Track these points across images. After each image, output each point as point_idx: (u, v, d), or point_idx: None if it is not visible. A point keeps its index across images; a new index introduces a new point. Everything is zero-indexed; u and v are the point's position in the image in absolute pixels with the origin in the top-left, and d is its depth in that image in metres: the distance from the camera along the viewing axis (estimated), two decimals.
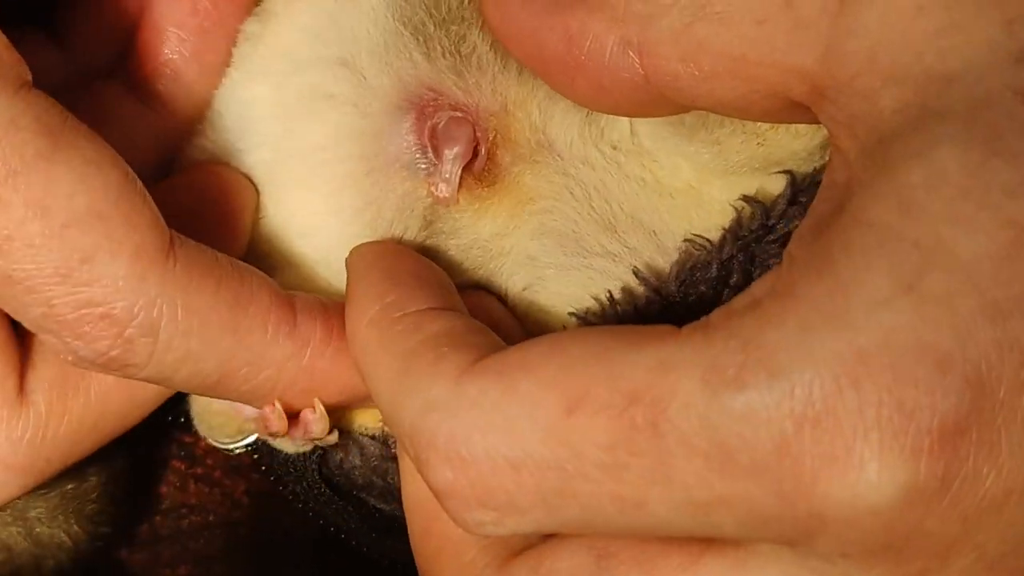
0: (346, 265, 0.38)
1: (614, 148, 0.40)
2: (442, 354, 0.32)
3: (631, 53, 0.33)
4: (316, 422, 0.39)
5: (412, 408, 0.31)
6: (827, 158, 0.36)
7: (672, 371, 0.28)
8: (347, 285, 0.37)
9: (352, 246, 0.40)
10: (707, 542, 0.30)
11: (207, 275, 0.35)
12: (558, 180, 0.40)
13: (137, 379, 0.35)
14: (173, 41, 0.40)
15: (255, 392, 0.36)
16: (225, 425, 0.42)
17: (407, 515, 0.36)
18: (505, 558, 0.33)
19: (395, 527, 0.42)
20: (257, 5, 0.41)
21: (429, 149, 0.40)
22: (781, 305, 0.28)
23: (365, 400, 0.38)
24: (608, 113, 0.37)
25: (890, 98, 0.29)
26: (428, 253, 0.40)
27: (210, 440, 0.43)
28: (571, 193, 0.40)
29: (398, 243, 0.39)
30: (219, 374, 0.35)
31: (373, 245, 0.39)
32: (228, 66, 0.41)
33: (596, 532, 0.30)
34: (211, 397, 0.37)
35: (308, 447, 0.41)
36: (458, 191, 0.40)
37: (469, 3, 0.39)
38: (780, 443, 0.27)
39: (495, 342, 0.33)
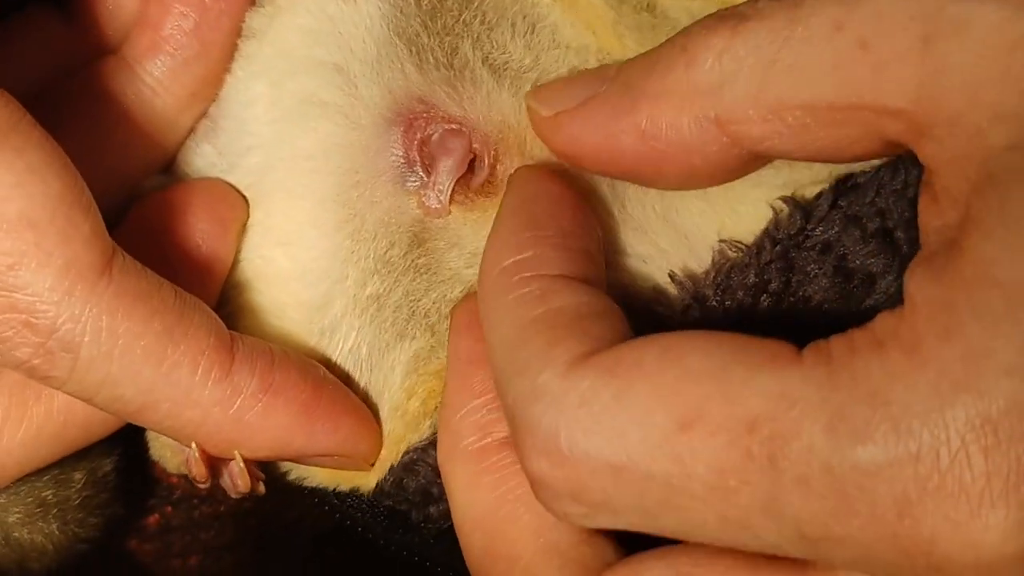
0: (507, 184, 0.37)
1: None
2: (557, 338, 0.31)
3: (712, 128, 0.33)
4: (237, 476, 0.39)
5: (518, 388, 0.31)
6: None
7: (794, 407, 0.28)
8: (498, 212, 0.36)
9: (332, 258, 0.39)
10: (801, 566, 0.30)
11: (142, 301, 0.34)
12: (583, 182, 0.39)
13: (62, 392, 0.35)
14: (175, 16, 0.39)
15: (178, 430, 0.36)
16: (171, 457, 0.42)
17: (461, 531, 0.36)
18: None
19: (406, 522, 0.41)
20: None
21: (418, 163, 0.39)
22: (909, 361, 0.28)
23: (296, 458, 0.38)
24: (704, 188, 0.37)
25: (999, 136, 0.29)
26: (425, 271, 0.39)
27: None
28: (597, 196, 0.39)
29: (566, 181, 0.37)
30: (139, 404, 0.35)
31: (537, 176, 0.37)
32: (231, 58, 0.40)
33: (692, 539, 0.30)
34: (137, 424, 0.36)
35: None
36: (450, 203, 0.39)
37: (464, 17, 0.39)
38: (902, 502, 0.27)
39: (614, 330, 0.32)
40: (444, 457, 0.36)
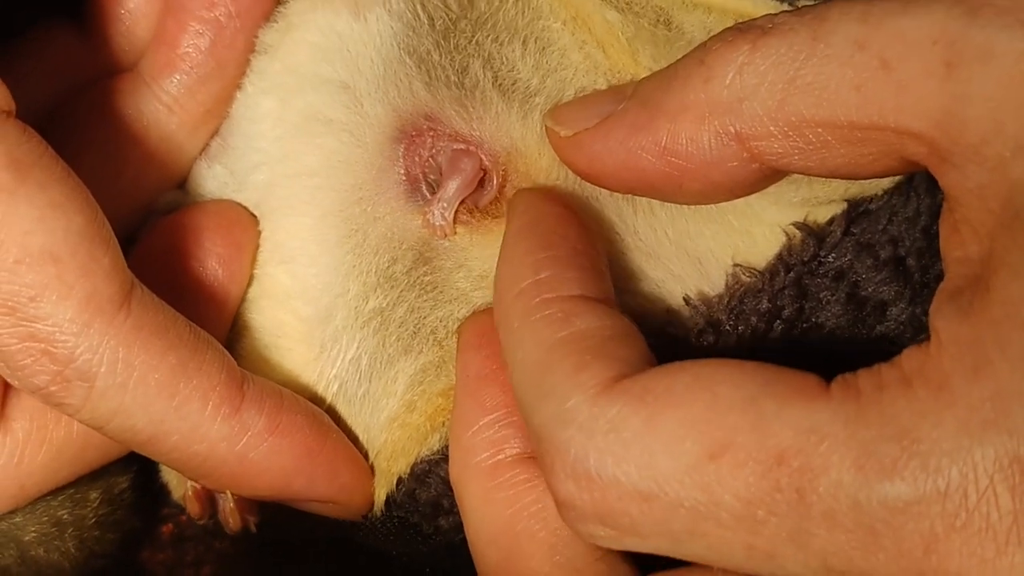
0: (509, 207, 0.37)
1: None
2: (584, 362, 0.31)
3: (732, 142, 0.32)
4: (227, 514, 0.40)
5: (546, 412, 0.31)
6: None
7: (823, 442, 0.28)
8: (505, 236, 0.36)
9: (333, 273, 0.39)
10: None
11: (158, 335, 0.35)
12: (591, 209, 0.39)
13: (76, 419, 0.35)
14: (190, 34, 0.39)
15: (184, 463, 0.36)
16: (176, 486, 0.42)
17: (476, 547, 0.36)
18: None
19: (417, 533, 0.41)
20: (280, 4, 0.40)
21: (421, 180, 0.39)
22: (937, 399, 0.28)
23: (292, 500, 0.39)
24: (720, 202, 0.36)
25: (1023, 168, 0.29)
26: (431, 289, 0.39)
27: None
28: (607, 222, 0.39)
29: (564, 201, 0.38)
30: (148, 435, 0.35)
31: (540, 197, 0.37)
32: (244, 74, 0.40)
33: (717, 566, 0.30)
34: (145, 455, 0.37)
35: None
36: (455, 223, 0.39)
37: (477, 38, 0.39)
38: (929, 538, 0.27)
39: (638, 353, 0.32)
40: (457, 473, 0.36)
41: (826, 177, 0.34)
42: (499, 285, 0.35)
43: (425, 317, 0.39)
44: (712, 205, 0.39)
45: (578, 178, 0.38)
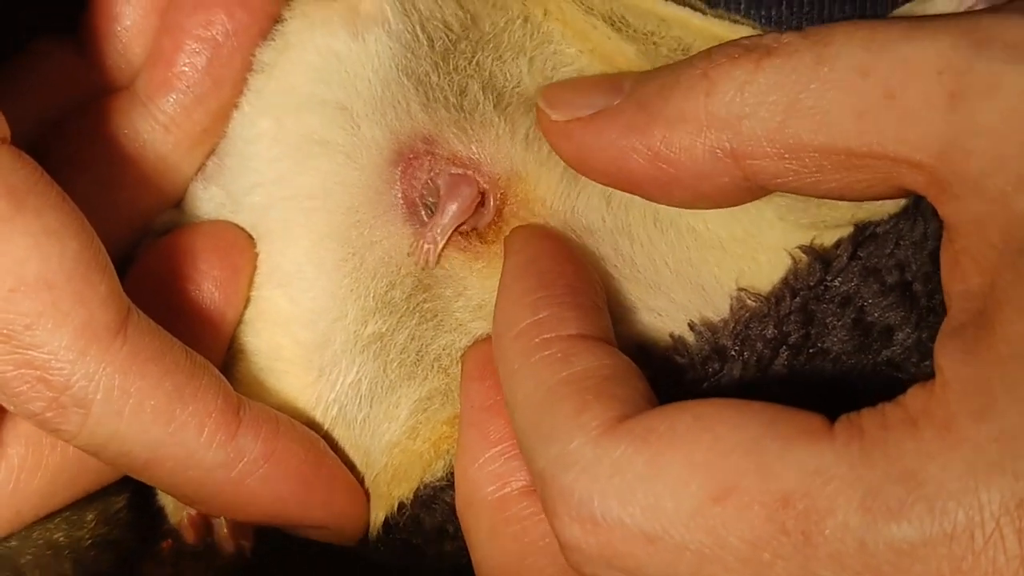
0: (504, 247, 0.37)
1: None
2: (586, 403, 0.31)
3: (726, 159, 0.32)
4: (222, 540, 0.40)
5: (548, 455, 0.31)
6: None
7: (829, 483, 0.28)
8: (502, 275, 0.36)
9: (331, 297, 0.39)
10: None
11: (154, 361, 0.34)
12: (589, 242, 0.39)
13: (72, 445, 0.35)
14: (187, 53, 0.38)
15: (180, 488, 0.36)
16: (172, 511, 0.42)
17: None
18: None
19: (422, 555, 0.41)
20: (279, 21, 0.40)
21: (419, 204, 0.39)
22: (943, 440, 0.28)
23: (287, 525, 0.39)
24: (704, 210, 0.36)
25: None
26: (432, 317, 0.39)
27: None
28: (604, 257, 0.39)
29: (559, 237, 0.38)
30: (144, 461, 0.35)
31: (535, 235, 0.38)
32: (241, 93, 0.40)
33: None
34: (141, 480, 0.37)
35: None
36: (443, 248, 0.38)
37: (477, 59, 0.38)
38: None
39: (639, 392, 0.32)
40: (463, 505, 0.36)
41: (821, 198, 0.34)
42: (497, 325, 0.35)
43: (428, 345, 0.39)
44: (715, 234, 0.39)
45: (575, 208, 0.38)
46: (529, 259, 0.36)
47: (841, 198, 0.33)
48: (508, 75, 0.39)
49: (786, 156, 0.31)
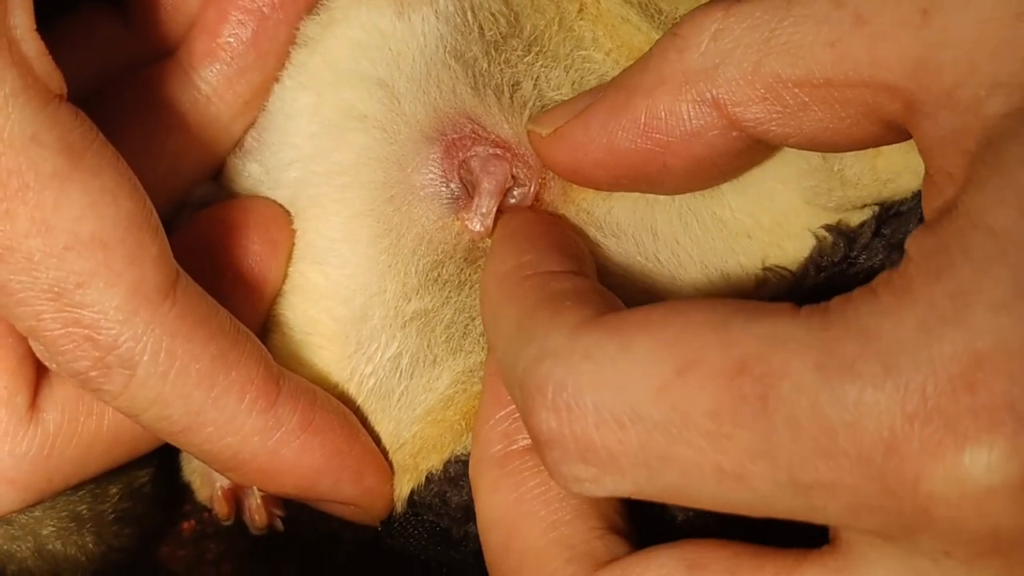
0: (495, 229, 0.38)
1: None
2: (564, 307, 0.31)
3: (710, 110, 0.32)
4: (255, 511, 0.40)
5: (527, 355, 0.31)
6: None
7: (785, 346, 0.28)
8: (491, 245, 0.37)
9: (367, 273, 0.39)
10: (803, 553, 0.30)
11: (201, 326, 0.35)
12: (611, 240, 0.39)
13: (111, 406, 0.35)
14: (232, 24, 0.39)
15: (216, 455, 0.36)
16: (200, 487, 0.42)
17: (482, 533, 0.36)
18: (591, 569, 0.33)
19: (447, 539, 0.41)
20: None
21: (456, 181, 0.39)
22: (899, 301, 0.27)
23: (316, 500, 0.39)
24: (716, 185, 0.36)
25: (998, 104, 0.29)
26: (471, 287, 0.39)
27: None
28: (624, 251, 0.39)
29: (555, 216, 0.38)
30: (184, 424, 0.35)
31: (526, 212, 0.38)
32: (283, 68, 0.40)
33: (693, 503, 0.30)
34: (175, 446, 0.37)
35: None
36: (494, 226, 0.39)
37: (528, 58, 0.39)
38: (888, 438, 0.27)
39: (619, 305, 0.32)
40: (473, 463, 0.36)
41: (805, 148, 0.34)
42: (483, 278, 0.36)
43: (475, 318, 0.39)
44: (742, 223, 0.39)
45: (611, 208, 0.38)
46: (518, 224, 0.37)
47: (831, 144, 0.32)
48: (550, 80, 0.39)
49: (767, 96, 0.31)
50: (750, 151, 0.34)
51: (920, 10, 0.29)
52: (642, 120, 0.33)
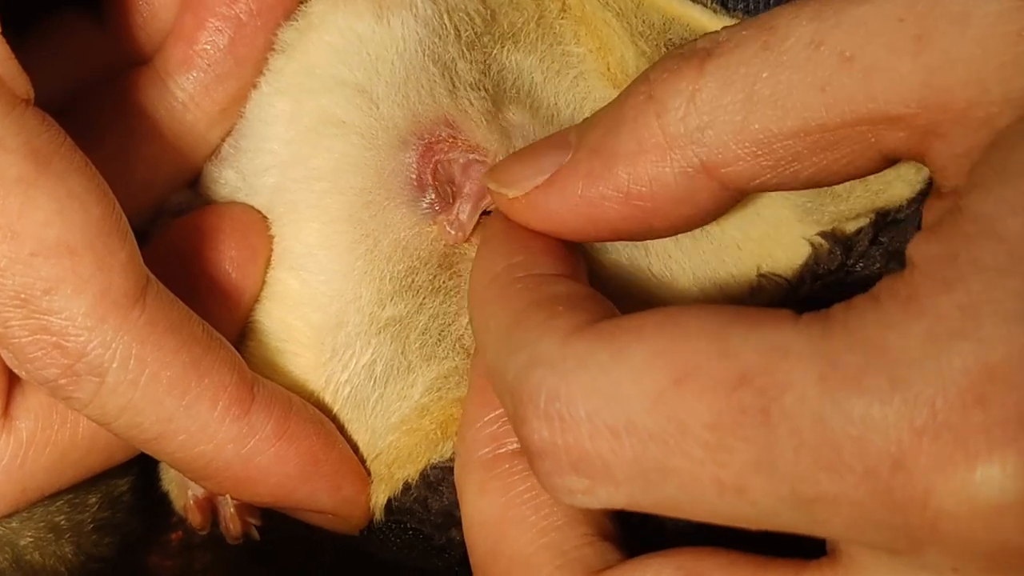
0: (482, 230, 0.37)
1: None
2: (556, 312, 0.31)
3: (698, 174, 0.32)
4: (228, 520, 0.40)
5: (517, 361, 0.30)
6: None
7: (787, 358, 0.27)
8: (479, 245, 0.36)
9: (343, 279, 0.38)
10: (801, 564, 0.30)
11: (172, 332, 0.34)
12: (600, 249, 0.39)
13: (82, 414, 0.34)
14: (209, 30, 0.38)
15: (189, 463, 0.36)
16: (176, 496, 0.42)
17: (468, 537, 0.35)
18: None
19: (429, 547, 0.41)
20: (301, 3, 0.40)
21: (431, 186, 0.38)
22: (905, 311, 0.27)
23: (292, 509, 0.38)
24: (691, 230, 0.35)
25: (1009, 119, 0.28)
26: (455, 293, 0.39)
27: None
28: (616, 263, 0.39)
29: None
30: (156, 432, 0.35)
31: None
32: (261, 73, 0.39)
33: (691, 515, 0.29)
34: (149, 454, 0.36)
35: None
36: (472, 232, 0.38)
37: (498, 54, 0.39)
38: (896, 453, 0.26)
39: (612, 310, 0.31)
40: (459, 467, 0.36)
41: (801, 189, 0.33)
42: (472, 280, 0.35)
43: (450, 324, 0.39)
44: (730, 236, 0.38)
45: None
46: (507, 226, 0.35)
47: (825, 183, 0.32)
48: (523, 71, 0.39)
49: (759, 153, 0.31)
50: (738, 199, 0.33)
51: (912, 37, 0.29)
52: (625, 188, 0.32)
